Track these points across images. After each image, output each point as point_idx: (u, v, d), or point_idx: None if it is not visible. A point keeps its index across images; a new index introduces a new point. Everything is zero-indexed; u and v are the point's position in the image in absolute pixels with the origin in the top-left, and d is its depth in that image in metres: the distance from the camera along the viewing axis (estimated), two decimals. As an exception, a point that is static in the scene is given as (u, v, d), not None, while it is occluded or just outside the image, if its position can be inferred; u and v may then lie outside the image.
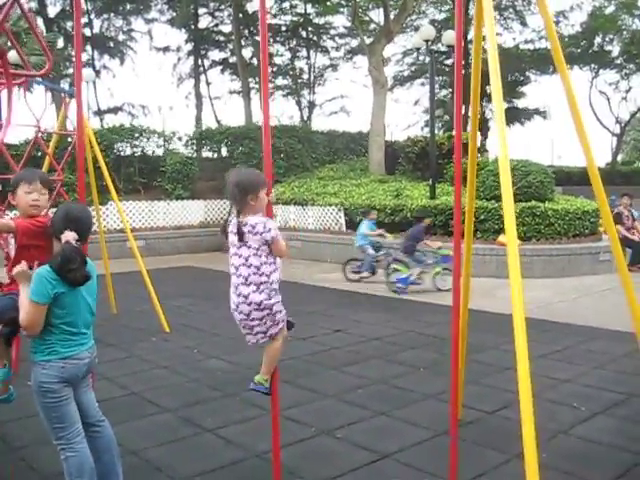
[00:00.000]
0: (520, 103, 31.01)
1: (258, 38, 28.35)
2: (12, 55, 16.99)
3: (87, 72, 21.34)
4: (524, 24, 28.77)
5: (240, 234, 3.38)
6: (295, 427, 4.76)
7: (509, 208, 3.08)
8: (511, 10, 28.81)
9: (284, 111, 45.85)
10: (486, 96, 29.38)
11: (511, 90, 28.52)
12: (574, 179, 25.34)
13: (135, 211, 17.46)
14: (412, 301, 9.97)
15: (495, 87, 3.24)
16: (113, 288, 9.17)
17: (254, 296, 3.42)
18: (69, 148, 8.06)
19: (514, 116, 29.59)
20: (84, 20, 29.82)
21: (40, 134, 7.26)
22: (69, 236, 3.29)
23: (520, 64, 27.64)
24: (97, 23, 30.26)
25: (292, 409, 5.12)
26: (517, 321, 2.94)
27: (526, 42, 29.28)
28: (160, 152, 20.49)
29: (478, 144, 16.89)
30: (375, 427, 4.75)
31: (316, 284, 11.92)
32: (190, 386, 5.81)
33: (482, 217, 12.60)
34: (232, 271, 3.49)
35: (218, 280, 12.65)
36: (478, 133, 18.02)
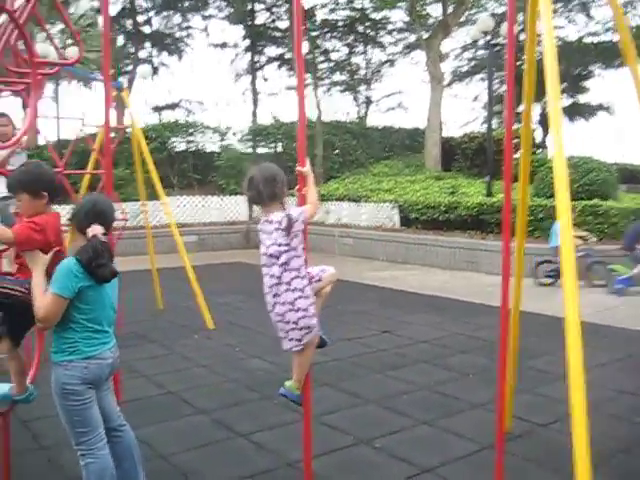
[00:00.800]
0: (583, 98, 29.91)
1: (314, 33, 28.21)
2: (70, 50, 17.25)
3: (143, 68, 21.56)
4: (589, 16, 27.72)
5: (289, 227, 3.21)
6: (333, 434, 4.53)
7: (564, 205, 2.79)
8: (576, 1, 27.79)
9: (339, 107, 45.46)
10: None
11: (574, 85, 27.55)
12: (640, 177, 24.29)
13: (189, 206, 17.52)
14: (463, 302, 9.60)
15: (552, 83, 2.93)
16: (161, 283, 9.12)
17: (288, 295, 3.25)
18: (114, 143, 8.00)
19: (577, 112, 28.56)
20: (144, 18, 30.19)
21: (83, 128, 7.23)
22: (97, 230, 3.14)
23: (584, 58, 26.65)
24: (156, 20, 30.52)
25: (331, 414, 4.90)
26: (571, 326, 2.67)
27: (590, 35, 28.17)
28: (215, 148, 20.55)
29: (539, 140, 16.18)
30: (417, 437, 4.47)
31: (366, 282, 11.65)
32: (228, 387, 5.65)
33: (541, 215, 12.10)
34: (263, 271, 3.33)
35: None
36: (540, 129, 17.34)
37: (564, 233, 2.81)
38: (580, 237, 10.53)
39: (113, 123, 8.30)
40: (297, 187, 3.41)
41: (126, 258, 13.33)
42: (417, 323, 8.17)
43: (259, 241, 3.38)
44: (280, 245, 3.26)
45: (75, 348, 3.07)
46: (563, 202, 2.81)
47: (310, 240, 14.43)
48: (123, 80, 27.99)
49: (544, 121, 24.12)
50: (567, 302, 2.69)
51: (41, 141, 11.53)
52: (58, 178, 3.72)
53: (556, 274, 10.59)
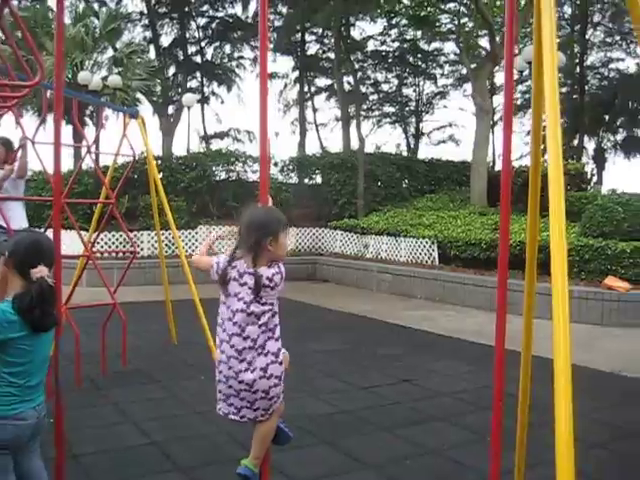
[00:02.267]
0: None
1: (358, 65, 27.95)
2: (113, 79, 17.34)
3: (187, 97, 21.51)
4: (649, 48, 26.76)
5: (257, 288, 2.79)
6: (317, 507, 3.97)
7: (557, 233, 2.25)
8: (635, 34, 26.86)
9: (387, 140, 44.97)
10: (604, 125, 27.59)
11: (632, 118, 26.52)
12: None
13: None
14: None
15: (551, 104, 2.41)
16: (182, 316, 8.70)
17: (261, 360, 2.78)
18: (125, 172, 7.68)
19: (634, 146, 27.43)
20: (195, 48, 30.58)
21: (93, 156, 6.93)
22: (44, 271, 2.74)
23: (643, 90, 25.68)
24: (207, 51, 30.89)
25: (321, 481, 4.34)
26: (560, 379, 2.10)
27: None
28: (256, 177, 20.33)
29: (589, 175, 15.28)
30: (413, 516, 3.88)
31: (399, 323, 11.03)
32: (217, 440, 5.13)
33: (587, 256, 11.32)
34: (229, 328, 2.85)
35: (301, 312, 12.10)
36: (592, 164, 16.37)
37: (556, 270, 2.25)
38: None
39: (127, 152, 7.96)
40: None
41: (151, 287, 13.15)
42: (443, 372, 7.53)
43: (227, 292, 2.89)
44: (264, 304, 2.80)
45: None
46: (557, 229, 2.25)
47: (348, 275, 13.91)
48: (171, 109, 28.28)
49: (598, 156, 23.17)
50: (556, 345, 2.14)
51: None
52: None
53: None
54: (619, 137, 27.61)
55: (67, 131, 21.42)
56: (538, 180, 3.22)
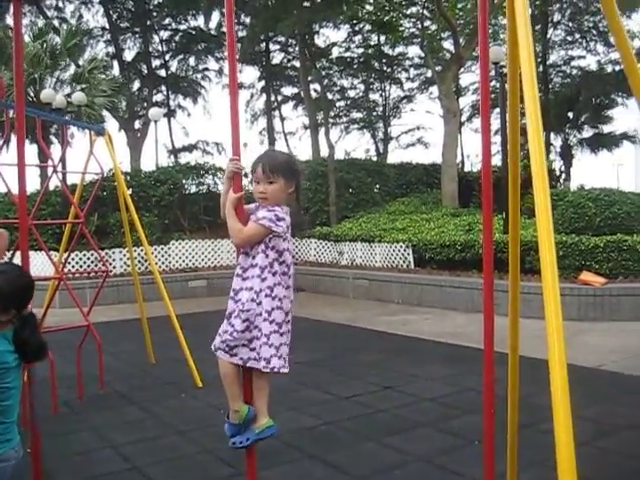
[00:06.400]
0: (607, 128, 29.05)
1: (324, 72, 27.96)
2: (77, 96, 17.12)
3: (153, 111, 21.30)
4: (609, 45, 27.12)
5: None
6: (306, 524, 3.88)
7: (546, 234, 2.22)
8: (594, 32, 27.26)
9: (357, 146, 45.08)
10: (569, 122, 27.94)
11: (596, 115, 26.83)
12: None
13: (198, 250, 17.07)
14: (479, 350, 8.78)
15: (530, 105, 2.38)
16: (160, 333, 8.55)
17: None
18: (94, 190, 7.52)
19: (599, 142, 27.71)
20: (160, 61, 30.34)
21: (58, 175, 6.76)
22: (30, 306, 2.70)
23: (605, 87, 25.98)
24: (171, 64, 30.66)
25: (309, 497, 4.25)
26: (556, 380, 2.06)
27: (611, 63, 27.50)
28: (226, 189, 20.20)
29: (557, 173, 15.48)
30: (405, 528, 3.80)
31: (377, 328, 10.98)
32: (201, 459, 5.01)
33: (561, 253, 11.39)
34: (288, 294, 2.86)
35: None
36: (559, 160, 16.55)
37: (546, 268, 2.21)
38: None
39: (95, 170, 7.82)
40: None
41: (126, 306, 13.00)
42: (425, 377, 7.48)
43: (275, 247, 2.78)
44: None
45: None
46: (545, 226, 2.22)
47: (324, 283, 13.78)
48: (138, 124, 28.00)
49: (565, 153, 23.41)
50: (551, 342, 2.10)
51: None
52: None
53: None
54: (584, 133, 27.91)
55: (33, 151, 21.09)
56: (518, 181, 3.19)
